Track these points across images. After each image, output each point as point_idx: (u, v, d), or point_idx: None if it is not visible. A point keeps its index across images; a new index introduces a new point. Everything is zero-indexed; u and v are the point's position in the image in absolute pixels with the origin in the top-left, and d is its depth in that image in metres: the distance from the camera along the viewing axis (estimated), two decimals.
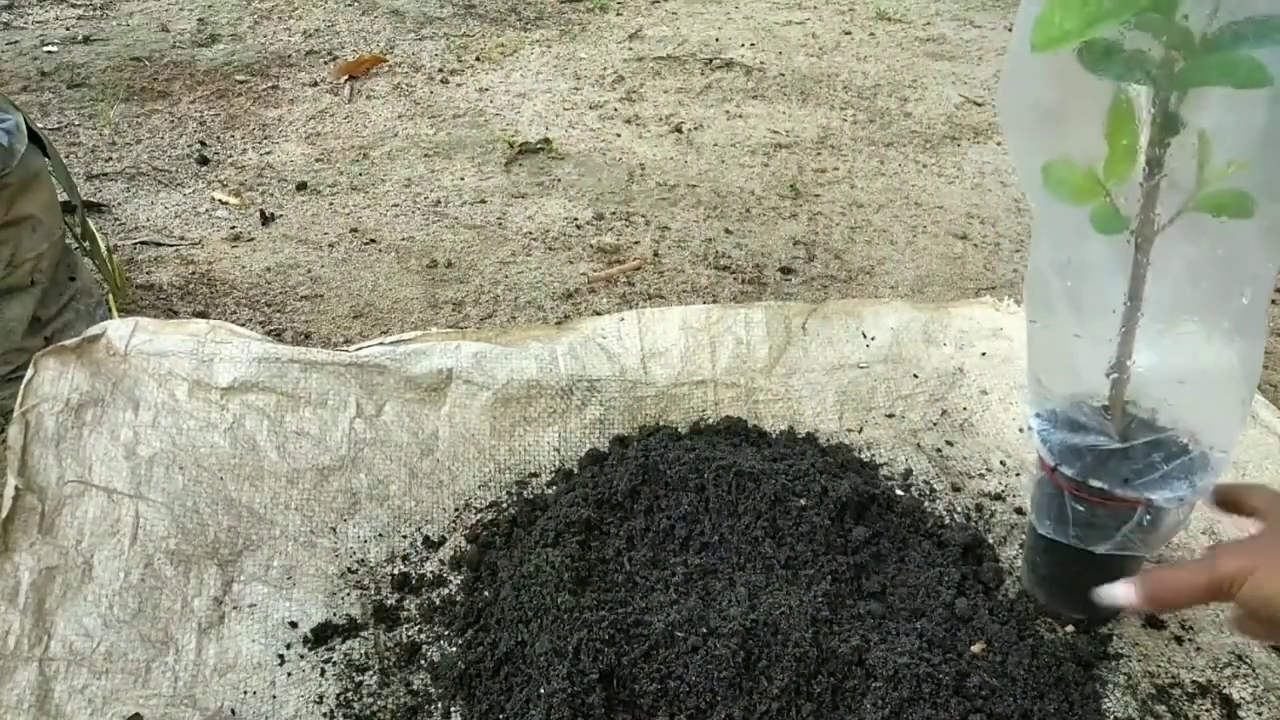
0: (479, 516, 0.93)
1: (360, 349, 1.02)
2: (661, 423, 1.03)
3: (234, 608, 0.82)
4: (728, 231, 1.78)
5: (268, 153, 2.06)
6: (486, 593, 0.84)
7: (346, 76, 2.44)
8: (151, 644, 0.78)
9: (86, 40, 2.68)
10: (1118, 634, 0.82)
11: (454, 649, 0.80)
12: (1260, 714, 0.76)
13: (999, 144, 2.16)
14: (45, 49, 2.61)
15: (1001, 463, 1.01)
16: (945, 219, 1.85)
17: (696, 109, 2.32)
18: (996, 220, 1.85)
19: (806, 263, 1.69)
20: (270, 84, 2.43)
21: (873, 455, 1.02)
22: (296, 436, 0.94)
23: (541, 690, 0.72)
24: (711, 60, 2.64)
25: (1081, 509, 0.75)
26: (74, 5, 2.95)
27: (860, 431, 1.05)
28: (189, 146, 2.09)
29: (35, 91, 2.33)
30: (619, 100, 2.37)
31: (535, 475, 0.98)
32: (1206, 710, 0.76)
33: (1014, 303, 1.18)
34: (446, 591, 0.86)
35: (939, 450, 1.03)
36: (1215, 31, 0.56)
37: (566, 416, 1.02)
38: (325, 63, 2.56)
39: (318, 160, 2.04)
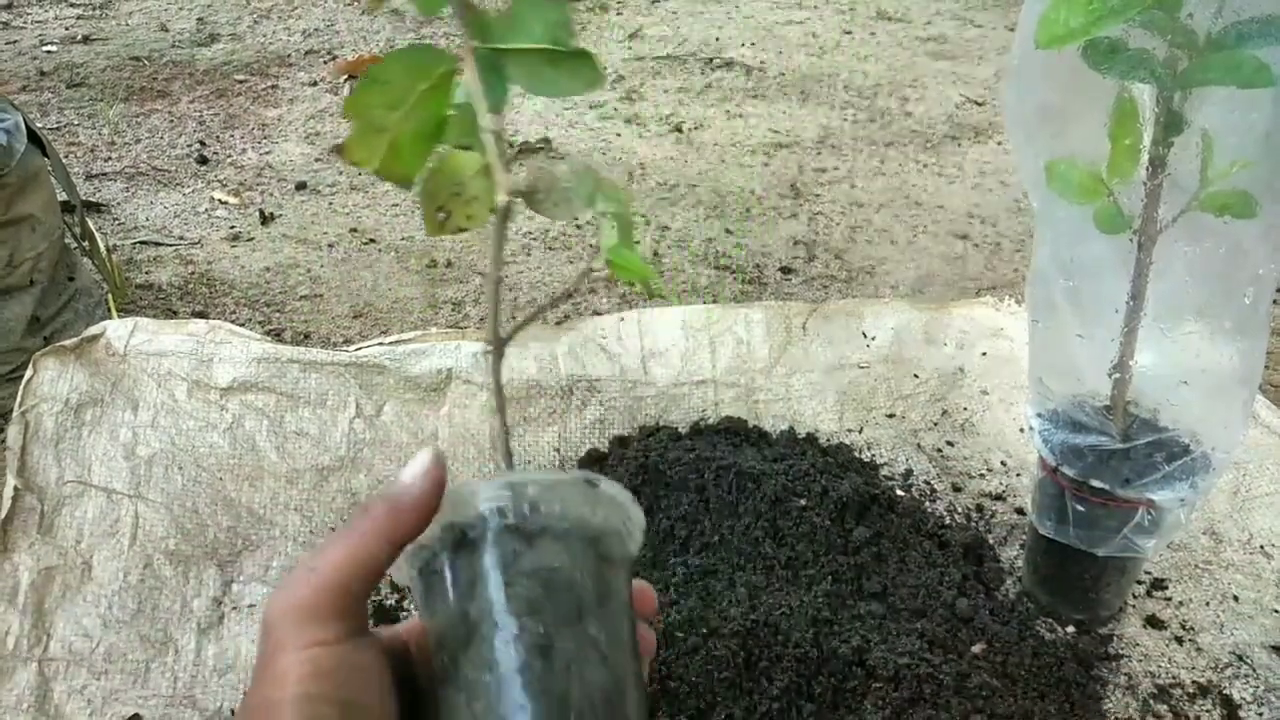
0: None
1: (360, 349, 1.01)
2: (661, 423, 1.03)
3: (233, 608, 0.82)
4: (728, 231, 1.78)
5: (267, 152, 2.06)
6: None
7: (346, 76, 2.43)
8: (151, 644, 0.78)
9: (86, 40, 2.68)
10: (1118, 634, 0.82)
11: None
12: (1261, 714, 0.76)
13: (1000, 143, 2.16)
14: (45, 49, 2.61)
15: (1002, 463, 1.01)
16: (946, 219, 1.85)
17: (696, 108, 2.32)
18: (997, 220, 1.85)
19: (807, 262, 1.69)
20: (270, 83, 2.42)
21: (873, 455, 1.02)
22: (296, 436, 0.94)
23: None
24: (711, 60, 2.63)
25: (1082, 509, 0.75)
26: (73, 5, 2.95)
27: (861, 431, 1.05)
28: (188, 146, 2.08)
29: (35, 91, 2.33)
30: (619, 100, 2.36)
31: None
32: (1207, 711, 0.76)
33: (1015, 303, 1.18)
34: None
35: (939, 450, 1.03)
36: (1220, 31, 0.56)
37: (566, 416, 1.02)
38: (325, 62, 2.56)
39: (317, 160, 2.03)
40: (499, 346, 0.39)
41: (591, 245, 1.72)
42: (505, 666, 0.32)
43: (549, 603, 0.33)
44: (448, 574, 0.34)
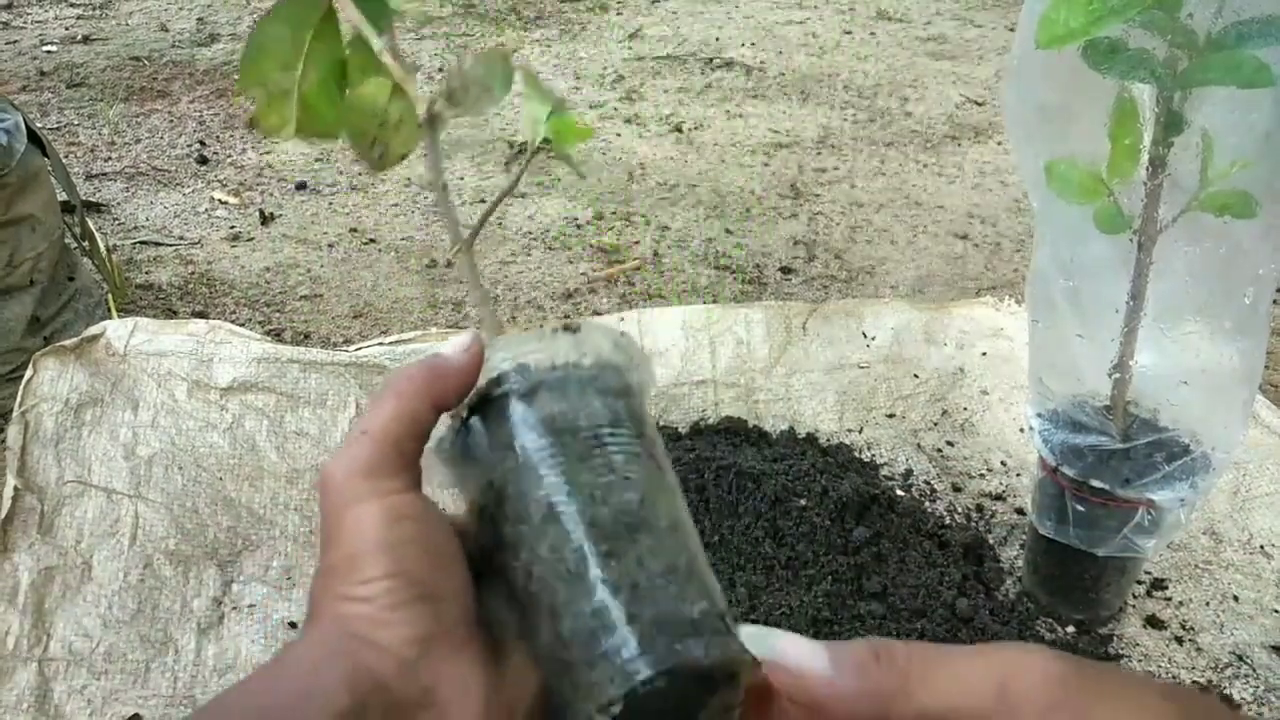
0: None
1: (360, 349, 1.01)
2: (661, 423, 1.03)
3: (233, 608, 0.82)
4: (728, 231, 1.78)
5: (267, 152, 2.06)
6: None
7: None
8: (151, 644, 0.78)
9: (86, 40, 2.68)
10: (1118, 634, 0.82)
11: None
12: (1261, 714, 0.76)
13: (999, 143, 2.16)
14: (45, 49, 2.61)
15: (1002, 463, 1.01)
16: (946, 219, 1.85)
17: (696, 108, 2.32)
18: (997, 220, 1.85)
19: (807, 262, 1.69)
20: None
21: (873, 455, 1.02)
22: (296, 436, 0.94)
23: None
24: (711, 60, 2.63)
25: (1082, 509, 0.75)
26: (73, 5, 2.95)
27: (861, 431, 1.05)
28: (188, 146, 2.08)
29: (35, 91, 2.33)
30: (619, 100, 2.36)
31: None
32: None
33: (1015, 303, 1.18)
34: None
35: (939, 450, 1.03)
36: (1220, 31, 0.56)
37: None
38: None
39: (317, 160, 2.03)
40: (467, 244, 0.40)
41: (591, 245, 1.72)
42: (536, 511, 0.33)
43: (562, 445, 0.34)
44: (468, 447, 0.36)
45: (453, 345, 0.36)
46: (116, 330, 0.95)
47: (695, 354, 1.08)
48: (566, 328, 0.38)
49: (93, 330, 0.94)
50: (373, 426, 0.34)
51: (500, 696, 0.34)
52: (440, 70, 2.52)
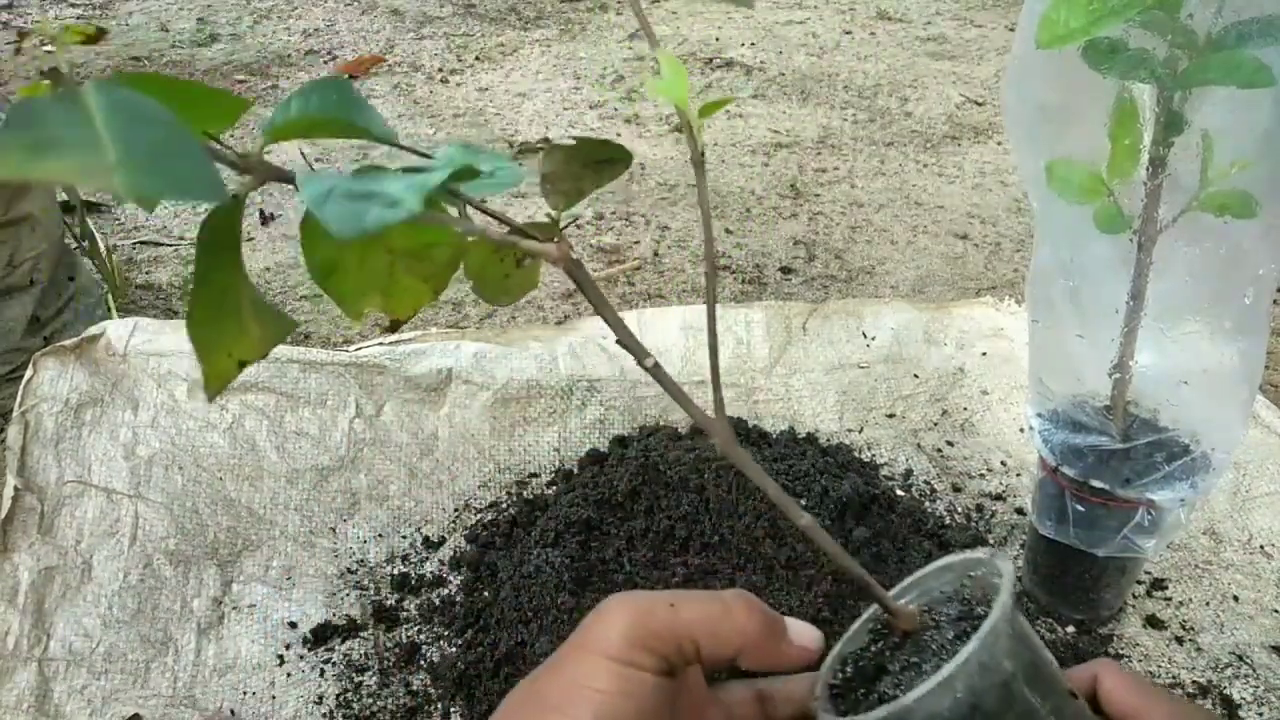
0: (479, 517, 0.93)
1: (360, 349, 1.01)
2: (661, 423, 1.03)
3: (233, 608, 0.82)
4: (728, 231, 1.78)
5: (268, 153, 2.06)
6: (486, 593, 0.84)
7: (346, 76, 2.44)
8: (151, 644, 0.78)
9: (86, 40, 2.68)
10: (1118, 634, 0.82)
11: (454, 649, 0.80)
12: (1261, 714, 0.76)
13: (1000, 143, 2.16)
14: (45, 49, 2.61)
15: (1002, 463, 1.01)
16: (946, 219, 1.85)
17: (696, 108, 2.32)
18: (997, 220, 1.85)
19: (807, 262, 1.69)
20: (270, 83, 2.42)
21: (873, 455, 1.02)
22: (296, 436, 0.94)
23: None
24: (711, 60, 2.63)
25: (1082, 509, 0.75)
26: (73, 5, 2.95)
27: (861, 432, 1.05)
28: None
29: None
30: (619, 100, 2.36)
31: (535, 475, 0.98)
32: (1207, 711, 0.76)
33: (1015, 303, 1.18)
34: (446, 592, 0.86)
35: (939, 450, 1.03)
36: (1220, 31, 0.56)
37: (566, 416, 1.02)
38: (325, 62, 2.56)
39: (318, 160, 2.03)
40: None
41: (592, 245, 1.72)
42: None
43: None
44: None
45: (801, 634, 0.38)
46: (116, 330, 0.94)
47: (695, 354, 1.08)
48: (959, 635, 0.36)
49: (93, 330, 0.94)
50: (685, 608, 0.35)
51: None
52: (440, 70, 2.52)
